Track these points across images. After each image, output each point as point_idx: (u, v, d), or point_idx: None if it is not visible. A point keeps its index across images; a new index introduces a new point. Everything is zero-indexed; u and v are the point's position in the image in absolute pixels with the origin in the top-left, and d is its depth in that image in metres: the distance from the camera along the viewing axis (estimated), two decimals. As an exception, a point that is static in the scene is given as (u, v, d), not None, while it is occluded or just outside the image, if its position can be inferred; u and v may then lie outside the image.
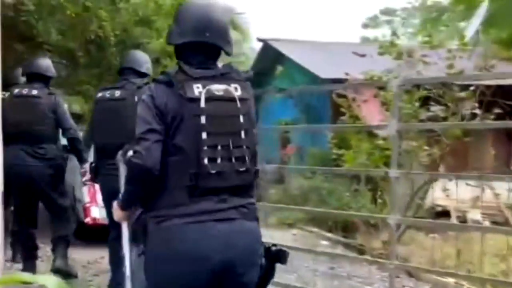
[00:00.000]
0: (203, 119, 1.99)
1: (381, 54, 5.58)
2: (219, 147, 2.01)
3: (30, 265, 4.39)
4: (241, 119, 2.06)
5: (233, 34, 12.11)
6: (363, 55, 7.60)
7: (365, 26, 34.37)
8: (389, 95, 5.80)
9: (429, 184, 5.62)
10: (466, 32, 6.36)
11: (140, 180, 2.03)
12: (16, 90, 4.42)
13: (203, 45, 2.11)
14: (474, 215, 8.59)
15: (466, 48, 5.82)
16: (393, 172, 3.68)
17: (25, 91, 4.41)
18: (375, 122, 6.07)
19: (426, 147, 5.44)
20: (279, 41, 11.43)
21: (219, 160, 2.00)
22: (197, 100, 2.00)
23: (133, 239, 2.31)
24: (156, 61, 7.14)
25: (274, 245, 2.17)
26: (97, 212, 5.26)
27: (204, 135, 1.99)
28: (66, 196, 4.63)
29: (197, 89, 2.02)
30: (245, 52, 17.97)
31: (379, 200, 6.23)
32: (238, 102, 2.06)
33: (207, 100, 2.01)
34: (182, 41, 2.11)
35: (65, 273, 4.31)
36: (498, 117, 5.20)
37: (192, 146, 1.99)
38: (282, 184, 9.23)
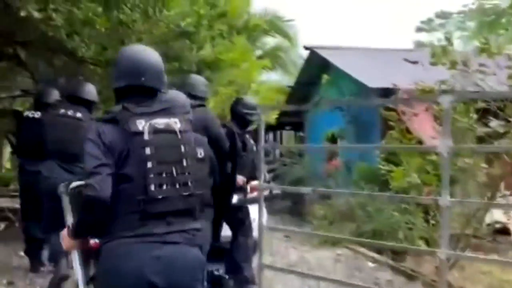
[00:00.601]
0: (148, 150, 2.25)
1: (433, 64, 5.11)
2: (164, 174, 2.26)
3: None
4: (182, 149, 2.35)
5: (281, 42, 11.80)
6: (414, 62, 7.10)
7: (419, 30, 33.28)
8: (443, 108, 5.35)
9: (487, 207, 5.11)
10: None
11: (94, 211, 2.18)
12: (61, 110, 4.69)
13: (140, 87, 2.38)
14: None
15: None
16: (444, 200, 3.26)
17: (70, 113, 4.66)
18: (427, 138, 5.61)
19: (484, 165, 4.94)
20: (326, 49, 11.03)
21: (164, 186, 2.25)
22: (141, 133, 2.26)
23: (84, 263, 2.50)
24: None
25: (217, 270, 2.46)
26: None
27: (149, 164, 2.24)
28: None
29: (140, 124, 2.28)
30: (294, 60, 17.64)
31: (432, 221, 5.74)
32: (178, 134, 2.35)
33: (150, 133, 2.28)
34: (121, 85, 2.38)
35: None
36: None
37: (139, 174, 2.22)
38: (329, 200, 8.82)
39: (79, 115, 4.64)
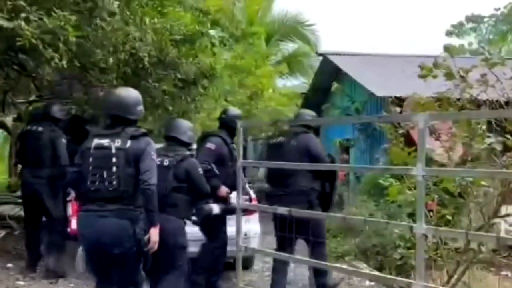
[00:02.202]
0: (90, 159, 3.58)
1: (422, 77, 4.79)
2: (97, 175, 3.54)
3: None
4: (113, 159, 3.53)
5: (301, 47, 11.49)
6: (424, 76, 6.75)
7: (449, 34, 32.43)
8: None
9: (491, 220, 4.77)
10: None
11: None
12: (33, 127, 6.04)
13: (113, 116, 3.73)
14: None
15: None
16: (419, 227, 2.98)
17: (34, 128, 6.04)
18: (436, 151, 5.29)
19: (483, 183, 4.59)
20: (339, 55, 10.74)
21: (96, 183, 3.54)
22: (90, 148, 3.61)
23: None
24: (193, 83, 6.79)
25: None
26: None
27: (90, 168, 3.57)
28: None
29: (92, 142, 3.63)
30: (313, 65, 17.32)
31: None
32: (113, 149, 3.55)
33: (94, 148, 3.60)
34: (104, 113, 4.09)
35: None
36: None
37: (85, 173, 3.59)
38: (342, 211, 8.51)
39: (40, 129, 5.90)
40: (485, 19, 29.39)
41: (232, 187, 4.94)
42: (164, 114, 7.02)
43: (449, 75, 4.59)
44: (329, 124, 9.47)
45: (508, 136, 4.22)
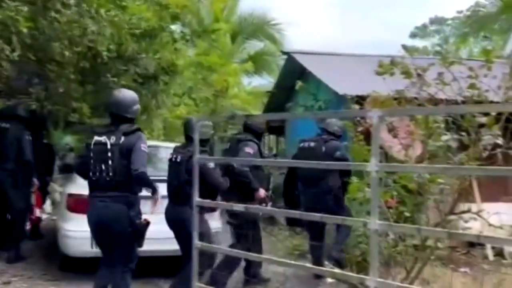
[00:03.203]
0: (91, 153, 4.22)
1: (379, 74, 4.81)
2: (97, 167, 4.18)
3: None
4: (109, 154, 4.14)
5: (267, 46, 11.41)
6: (382, 74, 6.79)
7: (413, 35, 33.05)
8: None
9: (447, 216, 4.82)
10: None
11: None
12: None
13: (112, 114, 4.33)
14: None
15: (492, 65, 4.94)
16: (373, 223, 2.97)
17: (3, 125, 6.73)
18: (395, 149, 5.32)
19: (440, 180, 4.63)
20: (304, 54, 10.75)
21: (97, 174, 4.18)
22: (91, 144, 4.25)
23: None
24: (154, 78, 6.67)
25: (141, 219, 4.24)
26: (38, 212, 7.79)
27: (92, 161, 4.21)
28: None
29: (94, 139, 4.26)
30: (279, 64, 17.34)
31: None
32: (108, 145, 4.17)
33: (94, 144, 4.24)
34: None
35: None
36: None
37: (89, 166, 4.23)
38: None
39: (7, 126, 6.55)
40: (448, 22, 30.08)
41: (266, 190, 5.66)
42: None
43: (406, 73, 4.62)
44: (283, 119, 9.33)
45: (464, 134, 4.26)
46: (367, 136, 5.84)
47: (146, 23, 6.61)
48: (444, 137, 4.24)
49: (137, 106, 4.38)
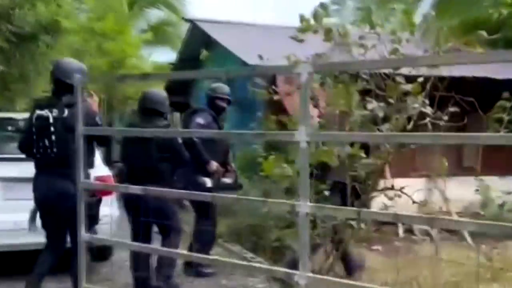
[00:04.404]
0: (33, 128, 3.98)
1: (301, 30, 4.28)
2: (40, 143, 3.94)
3: None
4: (51, 128, 3.91)
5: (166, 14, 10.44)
6: (300, 40, 6.29)
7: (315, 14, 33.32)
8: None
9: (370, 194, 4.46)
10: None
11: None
12: None
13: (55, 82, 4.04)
14: (422, 223, 7.69)
15: (414, 32, 4.58)
16: (303, 205, 2.40)
17: None
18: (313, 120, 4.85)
19: (363, 155, 4.21)
20: (208, 22, 10.01)
21: (41, 150, 3.94)
22: (32, 119, 4.01)
23: None
24: (32, 38, 5.59)
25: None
26: None
27: (34, 137, 3.96)
28: None
29: (36, 113, 4.00)
30: (181, 36, 16.38)
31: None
32: (50, 119, 3.92)
33: (36, 119, 3.98)
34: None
35: None
36: (453, 116, 4.07)
37: (32, 142, 3.97)
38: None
39: None
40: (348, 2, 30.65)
41: (222, 164, 5.24)
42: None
43: (328, 33, 4.10)
44: (185, 78, 8.50)
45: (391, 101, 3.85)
46: (280, 108, 5.35)
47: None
48: (370, 105, 3.79)
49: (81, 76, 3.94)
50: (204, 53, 7.89)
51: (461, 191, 7.53)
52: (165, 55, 17.07)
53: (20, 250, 4.78)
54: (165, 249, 3.97)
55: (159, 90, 4.93)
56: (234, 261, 2.92)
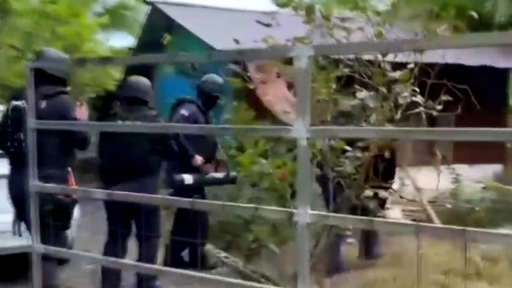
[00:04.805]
0: (8, 121, 3.80)
1: (279, 5, 3.91)
2: (15, 136, 3.71)
3: None
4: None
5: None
6: (268, 25, 5.89)
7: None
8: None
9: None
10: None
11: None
12: None
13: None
14: (394, 212, 7.62)
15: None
16: (302, 214, 2.03)
17: None
18: (279, 110, 4.49)
19: (347, 147, 3.88)
20: (170, 5, 9.49)
21: (15, 143, 3.71)
22: (8, 110, 3.85)
23: None
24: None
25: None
26: None
27: (9, 130, 3.77)
28: None
29: (12, 104, 3.83)
30: (138, 18, 15.64)
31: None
32: (23, 110, 3.63)
33: (11, 110, 3.81)
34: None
35: None
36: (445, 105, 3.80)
37: (7, 135, 3.78)
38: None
39: None
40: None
41: (210, 159, 5.02)
42: None
43: (309, 12, 3.73)
44: (150, 62, 7.99)
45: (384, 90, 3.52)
46: (252, 99, 4.99)
47: None
48: (361, 94, 3.46)
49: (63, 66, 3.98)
50: (167, 38, 7.40)
51: (432, 180, 7.45)
52: (122, 40, 16.35)
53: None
54: (131, 262, 3.47)
55: (141, 78, 4.68)
56: (216, 277, 2.53)
